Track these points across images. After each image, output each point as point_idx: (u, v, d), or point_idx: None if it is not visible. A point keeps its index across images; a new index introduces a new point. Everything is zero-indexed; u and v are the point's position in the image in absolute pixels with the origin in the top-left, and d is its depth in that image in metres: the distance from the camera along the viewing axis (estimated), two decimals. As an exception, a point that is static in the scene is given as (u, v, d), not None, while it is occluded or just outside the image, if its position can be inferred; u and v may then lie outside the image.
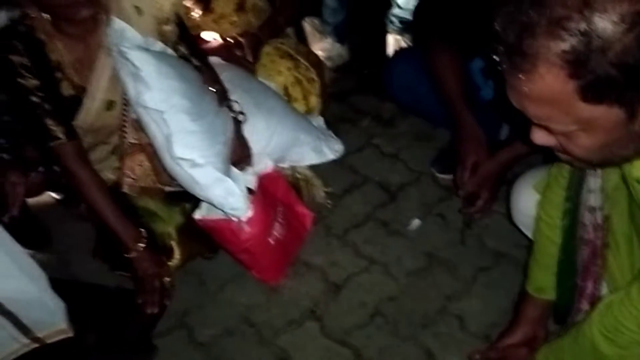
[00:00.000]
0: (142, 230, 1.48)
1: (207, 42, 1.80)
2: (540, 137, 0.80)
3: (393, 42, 2.41)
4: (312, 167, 1.87)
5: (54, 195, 1.79)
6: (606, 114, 0.70)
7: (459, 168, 1.57)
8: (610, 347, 0.94)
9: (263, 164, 1.67)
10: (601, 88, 0.67)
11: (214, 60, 1.69)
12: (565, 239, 1.10)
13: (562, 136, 0.77)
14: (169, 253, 1.56)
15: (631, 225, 1.06)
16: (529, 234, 1.29)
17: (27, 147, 1.59)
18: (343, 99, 2.25)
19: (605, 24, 0.63)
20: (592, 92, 0.67)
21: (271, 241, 1.59)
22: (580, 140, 0.76)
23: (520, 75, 0.70)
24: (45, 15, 1.31)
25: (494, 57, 0.73)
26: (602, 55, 0.64)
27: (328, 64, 2.37)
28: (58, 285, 1.40)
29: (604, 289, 1.14)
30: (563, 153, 0.82)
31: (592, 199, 1.01)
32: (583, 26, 0.64)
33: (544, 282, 1.20)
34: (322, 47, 2.45)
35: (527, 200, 1.25)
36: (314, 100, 1.93)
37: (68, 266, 1.72)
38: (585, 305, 1.13)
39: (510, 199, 1.36)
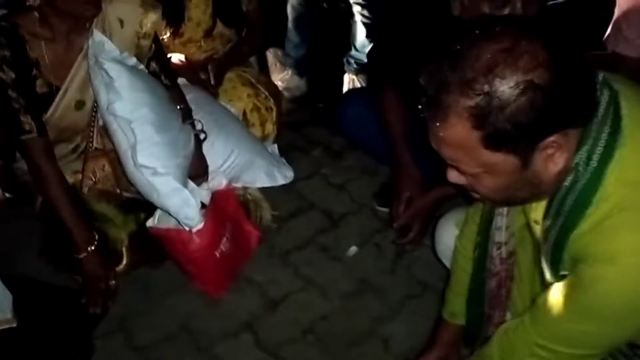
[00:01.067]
0: (95, 233, 1.55)
1: (174, 63, 1.91)
2: (453, 176, 0.94)
3: (349, 80, 2.57)
4: (263, 190, 1.98)
5: (5, 193, 1.83)
6: (504, 160, 0.85)
7: (394, 202, 1.71)
8: (506, 368, 1.07)
9: (218, 181, 1.77)
10: (499, 139, 0.82)
11: (179, 80, 1.80)
12: (475, 270, 1.25)
13: (470, 177, 0.91)
14: (118, 258, 1.63)
15: (533, 261, 1.22)
16: (449, 266, 1.43)
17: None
18: (297, 129, 2.38)
19: (503, 87, 0.78)
20: (492, 141, 0.82)
21: (217, 254, 1.68)
22: (485, 182, 0.90)
23: (436, 123, 0.84)
24: (36, 14, 1.40)
25: (419, 106, 0.87)
26: (500, 112, 0.79)
27: (286, 94, 2.51)
28: (4, 278, 1.45)
29: (509, 318, 1.29)
30: (472, 191, 0.96)
31: (499, 236, 1.16)
32: (486, 88, 0.78)
33: (457, 309, 1.33)
34: (282, 77, 2.59)
35: (449, 235, 1.40)
36: (270, 127, 2.06)
37: (14, 265, 1.76)
38: (492, 332, 1.26)
39: (435, 234, 1.51)
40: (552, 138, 0.83)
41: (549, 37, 0.80)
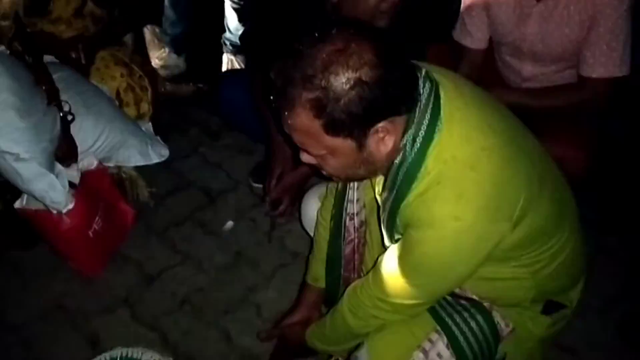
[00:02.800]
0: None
1: (42, 41, 1.87)
2: (304, 157, 1.07)
3: (227, 61, 2.62)
4: (139, 168, 2.02)
5: None
6: (343, 144, 0.99)
7: (267, 177, 1.83)
8: (354, 319, 1.23)
9: (88, 161, 1.78)
10: (337, 126, 0.95)
11: (47, 59, 1.78)
12: (332, 238, 1.40)
13: (318, 157, 1.05)
14: (-15, 239, 1.61)
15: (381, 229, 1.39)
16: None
17: None
18: (175, 108, 2.41)
19: (337, 83, 0.91)
20: (331, 128, 0.95)
21: (91, 234, 1.70)
22: (329, 162, 1.04)
23: (285, 112, 0.97)
24: None
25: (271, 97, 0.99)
26: (335, 104, 0.92)
27: (164, 72, 2.52)
28: None
29: (363, 280, 1.46)
30: (321, 170, 1.10)
31: (351, 207, 1.32)
32: (323, 83, 0.91)
33: (318, 273, 1.49)
34: (159, 55, 2.59)
35: (312, 208, 1.54)
36: (145, 107, 2.08)
37: None
38: (347, 292, 1.43)
39: (300, 207, 1.65)
40: (381, 124, 0.98)
41: (375, 39, 0.94)
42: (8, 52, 1.58)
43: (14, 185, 1.60)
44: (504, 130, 1.07)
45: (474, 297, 1.22)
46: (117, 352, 1.46)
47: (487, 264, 1.09)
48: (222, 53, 2.62)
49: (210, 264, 1.86)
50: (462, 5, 1.89)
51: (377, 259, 1.34)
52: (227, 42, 2.55)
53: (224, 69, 2.60)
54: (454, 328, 1.19)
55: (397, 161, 1.04)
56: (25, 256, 1.79)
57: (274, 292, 1.79)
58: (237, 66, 2.58)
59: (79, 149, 1.72)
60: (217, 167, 2.22)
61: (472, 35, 1.86)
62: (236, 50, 2.53)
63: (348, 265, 1.42)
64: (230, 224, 1.99)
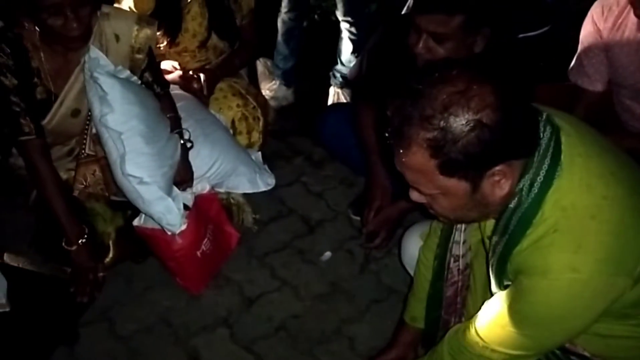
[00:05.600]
0: (85, 227, 1.65)
1: (168, 72, 2.02)
2: (414, 196, 1.07)
3: (334, 94, 2.70)
4: (245, 194, 2.09)
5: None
6: (457, 185, 0.98)
7: (366, 209, 1.85)
8: (454, 364, 1.20)
9: (202, 186, 1.88)
10: (452, 167, 0.95)
11: (173, 88, 1.91)
12: (434, 279, 1.38)
13: (429, 197, 1.04)
14: (105, 251, 1.73)
15: (487, 273, 1.35)
16: (413, 274, 1.57)
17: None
18: (282, 138, 2.49)
19: (456, 124, 0.91)
20: (446, 168, 0.95)
21: (199, 254, 1.79)
22: (440, 202, 1.03)
23: (400, 150, 0.97)
24: (37, 29, 1.51)
25: (386, 134, 1.00)
26: (453, 145, 0.92)
27: (273, 103, 2.63)
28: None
29: (464, 324, 1.42)
30: (430, 209, 1.09)
31: (457, 249, 1.30)
32: (442, 124, 0.91)
33: (417, 313, 1.46)
34: (270, 87, 2.71)
35: (413, 246, 1.53)
36: (256, 136, 2.17)
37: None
38: (447, 335, 1.39)
39: (401, 244, 1.64)
40: (498, 167, 0.96)
41: (498, 81, 0.93)
42: (139, 82, 1.71)
43: (133, 205, 1.71)
44: (626, 180, 1.02)
45: (586, 353, 1.15)
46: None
47: (602, 319, 1.04)
48: (329, 86, 2.70)
49: (307, 293, 1.88)
50: (579, 46, 1.83)
51: (481, 303, 1.31)
52: (337, 74, 2.62)
53: (330, 101, 2.67)
54: (561, 385, 1.13)
55: (512, 205, 1.02)
56: (137, 269, 1.90)
57: (368, 327, 1.78)
58: (343, 99, 2.64)
59: (195, 174, 1.82)
60: (318, 197, 2.26)
61: (590, 77, 1.80)
62: (344, 82, 2.59)
63: (449, 307, 1.39)
64: (328, 254, 2.01)
